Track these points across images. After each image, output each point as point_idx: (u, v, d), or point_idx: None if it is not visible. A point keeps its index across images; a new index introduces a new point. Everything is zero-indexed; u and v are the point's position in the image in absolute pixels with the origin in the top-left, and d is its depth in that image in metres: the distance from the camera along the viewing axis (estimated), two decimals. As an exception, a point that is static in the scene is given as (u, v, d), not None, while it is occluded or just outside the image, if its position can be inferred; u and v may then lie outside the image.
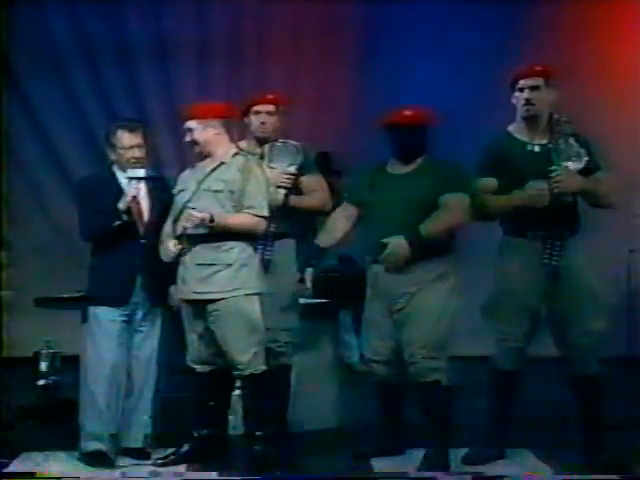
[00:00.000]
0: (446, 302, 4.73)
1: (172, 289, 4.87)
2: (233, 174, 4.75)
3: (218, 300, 4.70)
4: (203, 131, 4.78)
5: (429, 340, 4.67)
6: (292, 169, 5.02)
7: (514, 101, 4.85)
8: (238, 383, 4.83)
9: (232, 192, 4.73)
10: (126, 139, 4.86)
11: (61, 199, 7.19)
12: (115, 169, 4.94)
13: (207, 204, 4.71)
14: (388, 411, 5.00)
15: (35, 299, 5.83)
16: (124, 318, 4.85)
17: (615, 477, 4.52)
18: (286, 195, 5.00)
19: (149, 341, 4.92)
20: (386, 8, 7.54)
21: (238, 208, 4.73)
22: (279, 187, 4.96)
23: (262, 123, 5.07)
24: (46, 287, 6.17)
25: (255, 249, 4.82)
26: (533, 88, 4.78)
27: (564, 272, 4.74)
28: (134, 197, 4.81)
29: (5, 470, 4.75)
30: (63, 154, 7.60)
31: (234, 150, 4.85)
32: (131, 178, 4.82)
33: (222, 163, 4.80)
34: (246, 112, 5.11)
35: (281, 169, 5.01)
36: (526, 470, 4.77)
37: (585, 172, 4.74)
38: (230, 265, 4.71)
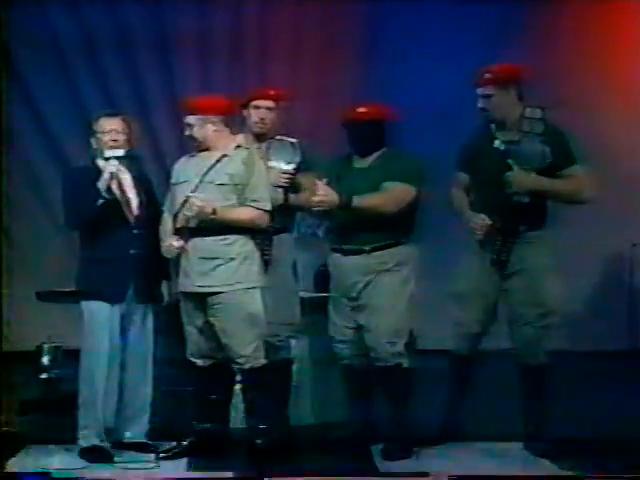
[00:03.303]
0: (400, 290, 4.88)
1: (164, 286, 4.92)
2: (237, 167, 4.76)
3: (220, 293, 4.71)
4: (202, 128, 4.78)
5: (386, 327, 4.84)
6: (290, 168, 5.02)
7: None
8: (238, 377, 4.85)
9: (236, 185, 4.74)
10: (106, 124, 4.87)
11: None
12: (97, 160, 4.89)
13: (211, 197, 4.71)
14: (355, 398, 5.06)
15: (37, 293, 5.84)
16: (119, 312, 4.84)
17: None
18: (285, 194, 5.00)
19: (144, 335, 4.93)
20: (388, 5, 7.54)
21: (242, 201, 4.75)
22: (278, 186, 4.96)
23: (261, 118, 5.04)
24: (48, 281, 6.17)
25: (256, 245, 4.83)
26: (484, 96, 4.84)
27: (515, 266, 4.82)
28: (112, 174, 4.76)
29: (9, 463, 4.76)
30: (65, 148, 7.58)
31: (235, 143, 4.85)
32: (108, 158, 4.80)
33: (224, 155, 4.79)
34: (245, 106, 5.08)
35: (279, 168, 5.00)
36: (522, 465, 4.78)
37: (553, 170, 4.76)
38: (233, 259, 4.72)
